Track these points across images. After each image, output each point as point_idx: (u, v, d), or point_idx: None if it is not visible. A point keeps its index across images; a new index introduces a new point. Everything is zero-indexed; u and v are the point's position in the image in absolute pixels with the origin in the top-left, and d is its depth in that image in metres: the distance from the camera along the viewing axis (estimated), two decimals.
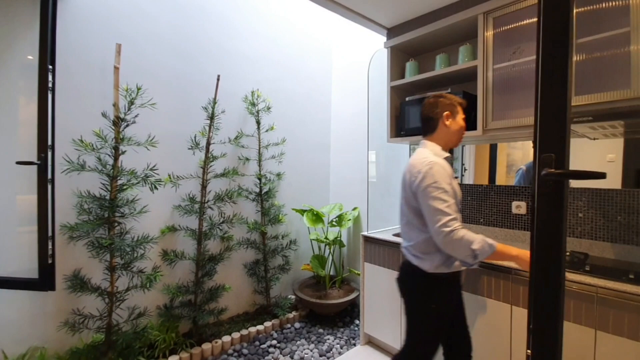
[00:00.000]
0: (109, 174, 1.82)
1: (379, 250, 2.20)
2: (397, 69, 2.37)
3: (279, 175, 2.71)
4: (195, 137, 2.21)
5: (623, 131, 1.58)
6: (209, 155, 2.23)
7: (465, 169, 2.41)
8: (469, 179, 2.33)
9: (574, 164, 1.77)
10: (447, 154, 1.41)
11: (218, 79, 2.27)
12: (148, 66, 2.10)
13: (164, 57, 2.17)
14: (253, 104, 2.52)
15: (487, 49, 1.83)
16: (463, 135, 1.48)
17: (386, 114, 2.36)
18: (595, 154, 1.81)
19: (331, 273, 2.96)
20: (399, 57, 2.39)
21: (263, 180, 2.61)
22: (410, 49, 2.36)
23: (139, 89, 1.85)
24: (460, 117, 1.45)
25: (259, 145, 2.58)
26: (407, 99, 2.26)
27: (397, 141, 2.35)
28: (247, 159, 2.58)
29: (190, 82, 2.29)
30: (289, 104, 2.89)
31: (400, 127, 2.28)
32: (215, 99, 2.24)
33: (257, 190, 2.60)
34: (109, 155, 1.84)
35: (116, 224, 1.86)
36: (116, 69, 1.85)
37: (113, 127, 1.82)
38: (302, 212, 2.87)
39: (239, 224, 2.41)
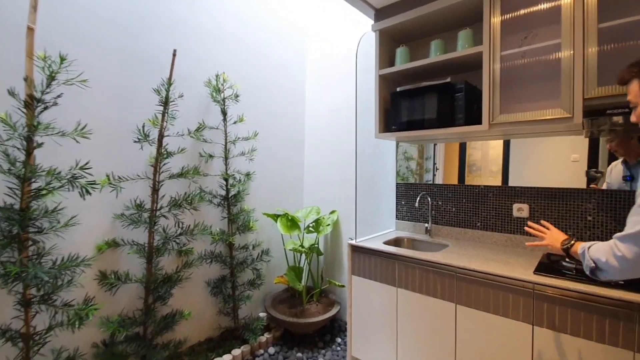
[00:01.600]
0: (19, 174, 1.32)
1: (370, 261, 1.91)
2: (386, 56, 2.10)
3: (248, 175, 2.32)
4: (144, 126, 1.75)
5: None
6: (163, 150, 1.78)
7: (437, 169, 2.23)
8: (439, 179, 2.20)
9: (538, 163, 1.59)
10: None
11: (174, 55, 1.83)
12: (79, 32, 1.61)
13: (102, 21, 1.69)
14: (218, 90, 2.11)
15: (494, 33, 1.62)
16: None
17: (374, 107, 2.09)
18: (560, 153, 1.76)
19: (308, 284, 2.63)
20: (388, 43, 2.13)
21: (231, 181, 2.20)
22: (401, 34, 2.10)
23: (62, 59, 1.36)
24: None
25: (226, 139, 2.17)
26: (397, 89, 2.00)
27: (387, 137, 2.09)
28: (211, 156, 2.15)
29: (138, 57, 1.82)
30: (259, 94, 2.51)
31: (391, 121, 2.02)
32: (170, 79, 1.80)
33: (224, 193, 2.19)
34: (19, 148, 1.34)
35: (30, 243, 1.37)
36: (30, 30, 1.35)
37: (24, 111, 1.32)
38: (276, 217, 2.51)
39: (201, 235, 1.99)
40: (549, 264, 1.54)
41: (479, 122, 1.68)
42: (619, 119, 1.31)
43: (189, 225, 1.95)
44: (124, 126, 1.77)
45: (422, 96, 1.89)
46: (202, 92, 2.11)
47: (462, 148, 2.13)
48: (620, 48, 1.35)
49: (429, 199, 2.17)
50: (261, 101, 2.53)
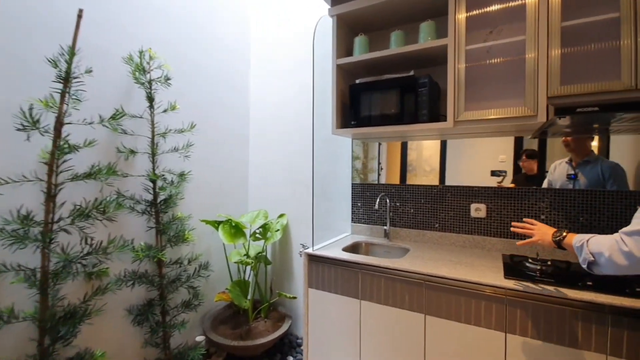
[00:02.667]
0: None
1: (330, 272, 1.71)
2: (343, 45, 1.92)
3: (182, 175, 1.93)
4: (31, 109, 1.28)
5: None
6: (62, 142, 1.34)
7: (381, 168, 2.15)
8: (383, 179, 2.14)
9: (470, 163, 1.48)
10: None
11: (80, 17, 1.39)
12: None
13: None
14: (142, 70, 1.69)
15: (459, 26, 1.54)
16: None
17: (331, 100, 1.89)
18: (488, 154, 1.81)
19: (254, 297, 2.32)
20: (346, 32, 1.95)
21: (160, 182, 1.80)
22: (361, 22, 1.94)
23: None
24: None
25: (153, 131, 1.77)
26: (357, 81, 1.84)
27: (344, 133, 1.91)
28: (133, 152, 1.73)
29: (23, 15, 1.34)
30: (195, 78, 2.13)
31: (350, 116, 1.84)
32: (73, 47, 1.35)
33: (150, 197, 1.78)
34: None
35: None
36: None
37: None
38: (217, 224, 2.15)
39: (119, 253, 1.56)
40: (513, 265, 1.51)
41: (443, 120, 1.59)
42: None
43: (101, 242, 1.52)
44: (1, 108, 1.28)
45: (383, 90, 1.75)
46: (121, 71, 1.68)
47: (404, 148, 2.08)
48: (583, 50, 1.35)
49: (388, 200, 2.05)
50: (198, 87, 2.15)
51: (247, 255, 2.17)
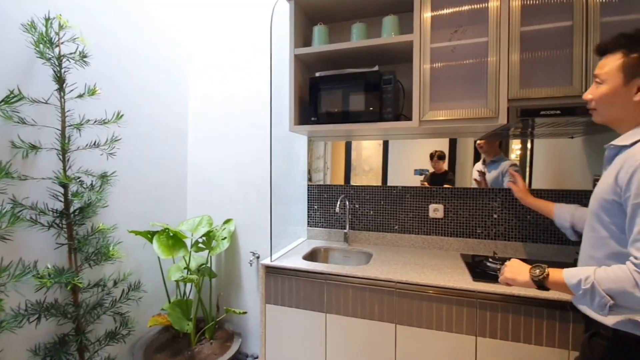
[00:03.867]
0: None
1: (291, 284, 1.54)
2: (301, 35, 1.77)
3: (105, 177, 1.57)
4: None
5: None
6: None
7: (327, 168, 2.09)
8: (328, 179, 2.08)
9: (409, 163, 1.44)
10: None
11: None
12: None
13: None
14: (49, 42, 1.31)
15: (424, 23, 1.50)
16: None
17: (288, 94, 1.71)
18: (424, 152, 1.87)
19: (197, 315, 2.03)
20: (304, 21, 1.80)
21: (74, 186, 1.43)
22: (320, 12, 1.80)
23: None
24: None
25: (63, 121, 1.39)
26: (317, 74, 1.69)
27: (302, 130, 1.75)
28: (35, 147, 1.33)
29: None
30: (122, 62, 1.76)
31: (309, 112, 1.69)
32: None
33: (60, 206, 1.40)
34: None
35: None
36: None
37: None
38: (150, 235, 1.82)
39: (15, 281, 1.18)
40: (475, 265, 1.52)
41: (404, 119, 1.54)
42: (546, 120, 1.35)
43: None
44: None
45: (346, 85, 1.63)
46: (20, 42, 1.28)
47: (348, 147, 2.05)
48: (540, 55, 1.40)
49: (347, 202, 1.95)
50: (127, 72, 1.79)
51: (187, 269, 1.88)
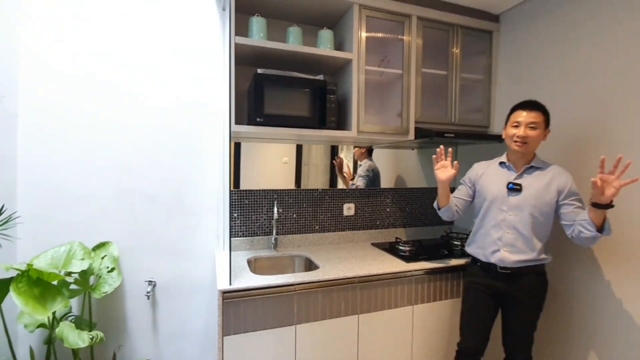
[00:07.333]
0: None
1: (256, 305, 1.37)
2: (242, 22, 1.56)
3: None
4: None
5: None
6: None
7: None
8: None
9: (261, 165, 2.02)
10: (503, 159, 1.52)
11: None
12: None
13: None
14: None
15: (360, 45, 1.72)
16: (512, 142, 1.45)
17: (229, 89, 1.48)
18: (275, 156, 1.99)
19: None
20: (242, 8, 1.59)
21: None
22: (260, 5, 1.65)
23: None
24: (509, 124, 1.46)
25: None
26: (260, 71, 1.56)
27: (244, 131, 1.56)
28: None
29: None
30: None
31: (255, 112, 1.53)
32: None
33: None
34: None
35: None
36: None
37: None
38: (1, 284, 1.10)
39: None
40: (392, 250, 1.89)
41: (333, 127, 1.68)
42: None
43: None
44: None
45: (292, 89, 1.60)
46: None
47: (237, 149, 1.90)
48: (432, 90, 1.91)
49: (276, 207, 1.88)
50: None
51: (50, 325, 1.26)
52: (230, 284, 1.33)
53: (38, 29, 1.50)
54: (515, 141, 1.41)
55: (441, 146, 1.54)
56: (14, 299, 1.08)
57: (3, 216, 1.21)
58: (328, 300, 1.48)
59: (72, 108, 1.56)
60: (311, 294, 1.45)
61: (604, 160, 1.15)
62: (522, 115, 1.39)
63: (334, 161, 2.07)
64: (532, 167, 1.44)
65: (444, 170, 1.51)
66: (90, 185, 1.60)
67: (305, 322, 1.45)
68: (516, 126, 1.41)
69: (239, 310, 1.34)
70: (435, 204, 1.64)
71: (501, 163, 1.52)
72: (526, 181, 1.42)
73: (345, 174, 2.10)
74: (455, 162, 1.51)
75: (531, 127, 1.37)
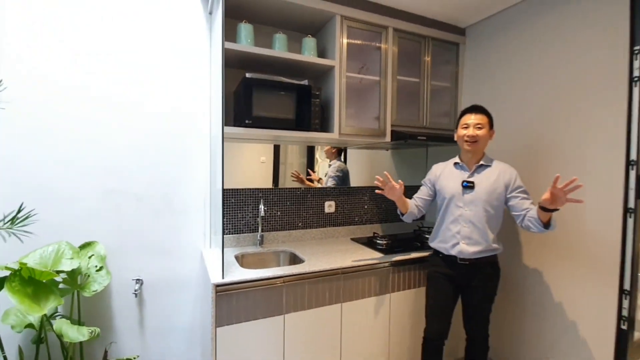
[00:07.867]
0: None
1: (247, 298, 1.46)
2: (230, 27, 1.63)
3: None
4: None
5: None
6: None
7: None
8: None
9: (241, 164, 2.17)
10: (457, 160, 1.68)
11: None
12: None
13: None
14: None
15: (342, 53, 1.84)
16: (463, 143, 1.61)
17: (220, 91, 1.55)
18: (252, 156, 2.06)
19: None
20: (230, 15, 1.65)
21: None
22: (245, 8, 1.71)
23: None
24: (459, 127, 1.63)
25: None
26: (248, 75, 1.64)
27: (230, 133, 1.63)
28: None
29: None
30: None
31: (244, 114, 1.61)
32: None
33: None
34: None
35: None
36: None
37: None
38: None
39: None
40: (371, 244, 2.03)
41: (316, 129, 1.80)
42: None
43: None
44: None
45: (279, 92, 1.70)
46: None
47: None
48: (406, 97, 2.07)
49: (262, 205, 1.96)
50: None
51: (40, 326, 1.28)
52: (222, 278, 1.40)
53: (18, 30, 1.49)
54: (467, 141, 1.58)
55: (385, 172, 1.64)
56: (10, 298, 1.09)
57: (22, 214, 1.23)
58: (314, 290, 1.59)
59: (58, 109, 1.55)
60: (298, 285, 1.55)
61: (558, 178, 1.27)
62: (470, 118, 1.58)
63: (291, 175, 2.12)
64: (482, 165, 1.62)
65: (391, 191, 1.63)
66: (76, 185, 1.60)
67: (293, 312, 1.55)
68: (465, 127, 1.59)
69: (231, 302, 1.42)
70: (398, 211, 1.77)
71: (455, 164, 1.70)
72: (478, 179, 1.60)
73: (311, 178, 2.18)
74: (400, 180, 1.64)
75: (478, 128, 1.56)
